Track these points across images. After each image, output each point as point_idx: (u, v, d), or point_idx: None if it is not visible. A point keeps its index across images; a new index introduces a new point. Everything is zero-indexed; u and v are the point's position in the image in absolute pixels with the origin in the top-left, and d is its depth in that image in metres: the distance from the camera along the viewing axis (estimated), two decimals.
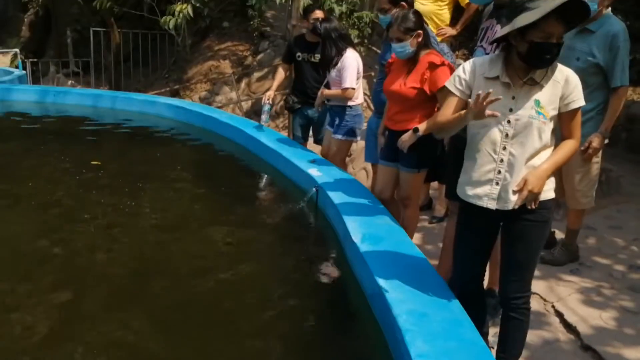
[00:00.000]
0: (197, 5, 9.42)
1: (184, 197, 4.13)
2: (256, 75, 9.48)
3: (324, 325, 2.54)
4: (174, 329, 2.47)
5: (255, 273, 3.03)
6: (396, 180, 3.47)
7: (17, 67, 11.23)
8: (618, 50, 3.23)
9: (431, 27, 4.49)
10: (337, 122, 4.36)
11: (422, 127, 3.13)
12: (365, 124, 4.39)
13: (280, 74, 4.99)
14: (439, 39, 4.69)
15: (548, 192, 2.19)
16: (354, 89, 4.24)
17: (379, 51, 8.34)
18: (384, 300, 2.31)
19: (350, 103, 4.31)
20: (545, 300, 3.15)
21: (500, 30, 2.21)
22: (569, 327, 2.89)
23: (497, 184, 2.19)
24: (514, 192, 2.13)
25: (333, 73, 4.29)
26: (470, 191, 2.26)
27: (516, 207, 2.13)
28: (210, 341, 2.40)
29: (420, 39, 3.15)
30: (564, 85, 2.10)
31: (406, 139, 3.14)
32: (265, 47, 9.92)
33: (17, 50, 11.83)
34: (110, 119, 6.34)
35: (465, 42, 7.24)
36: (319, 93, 4.38)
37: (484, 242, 2.39)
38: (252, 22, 10.44)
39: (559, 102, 2.11)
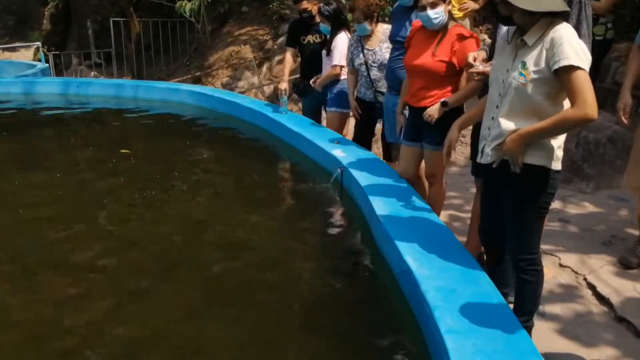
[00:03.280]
0: None
1: (213, 182, 4.22)
2: (277, 58, 9.44)
3: (352, 303, 2.56)
4: (205, 310, 2.52)
5: (282, 254, 3.06)
6: (419, 159, 3.43)
7: (39, 60, 11.40)
8: None
9: (454, 2, 4.41)
10: (329, 96, 4.64)
11: (451, 100, 3.06)
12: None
13: (289, 60, 5.02)
14: (461, 13, 4.61)
15: (537, 158, 2.17)
16: (342, 66, 4.48)
17: None
18: (412, 277, 2.32)
19: (341, 77, 4.54)
20: (576, 273, 3.10)
21: None
22: (601, 299, 2.85)
23: (484, 139, 2.31)
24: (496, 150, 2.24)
25: (324, 53, 4.57)
26: (479, 146, 2.39)
27: (494, 166, 2.23)
28: (240, 316, 2.46)
29: (450, 7, 3.09)
30: (549, 46, 2.07)
31: (434, 112, 3.06)
32: (286, 30, 9.84)
33: (39, 43, 12.00)
34: (134, 108, 6.42)
35: (488, 16, 7.08)
36: (316, 82, 4.66)
37: (495, 202, 2.41)
38: (270, 6, 10.38)
39: (544, 64, 2.08)
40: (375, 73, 4.01)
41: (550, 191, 2.24)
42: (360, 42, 4.06)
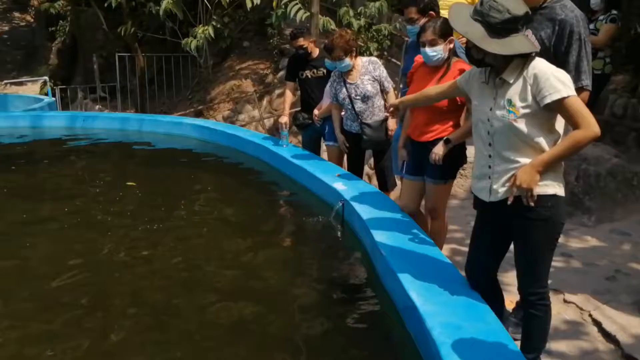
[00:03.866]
0: (218, 26, 9.58)
1: (216, 214, 4.23)
2: (277, 92, 9.56)
3: (357, 340, 2.52)
4: (205, 347, 2.48)
5: (284, 289, 3.04)
6: (421, 193, 3.44)
7: (46, 94, 11.54)
8: None
9: (455, 34, 4.49)
10: (327, 130, 4.65)
11: (453, 137, 3.07)
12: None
13: (289, 95, 5.09)
14: (463, 45, 4.69)
15: (547, 187, 2.19)
16: None
17: (398, 63, 8.37)
18: (416, 314, 2.29)
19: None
20: (581, 309, 3.07)
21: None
22: (608, 336, 2.81)
23: (489, 177, 2.32)
24: (508, 186, 2.23)
25: (328, 87, 4.59)
26: (475, 185, 2.42)
27: (509, 202, 2.21)
28: (240, 346, 2.45)
29: (451, 46, 3.14)
30: (533, 82, 2.13)
31: (439, 152, 3.06)
32: (286, 65, 10.00)
33: (46, 78, 12.18)
34: (138, 141, 6.47)
35: None
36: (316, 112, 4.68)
37: (492, 237, 2.44)
38: (271, 41, 10.57)
39: (532, 99, 2.14)
40: (359, 105, 4.09)
41: (562, 221, 2.28)
42: (341, 76, 4.15)
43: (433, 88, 2.84)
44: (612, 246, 3.74)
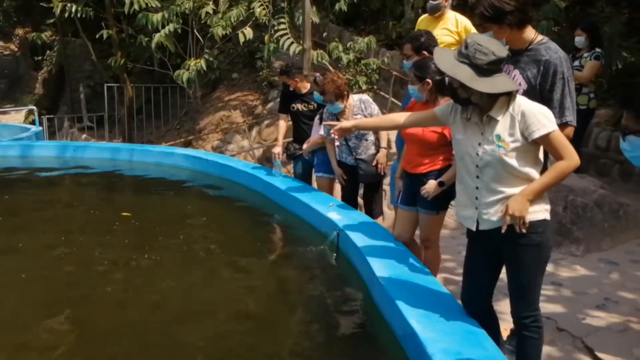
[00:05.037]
0: (210, 59, 9.73)
1: (212, 245, 4.25)
2: (266, 123, 9.68)
3: None
4: None
5: (280, 318, 3.06)
6: (415, 223, 3.51)
7: (31, 123, 11.50)
8: None
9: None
10: (316, 161, 4.79)
11: (446, 178, 3.15)
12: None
13: (283, 126, 5.23)
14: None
15: (537, 213, 2.31)
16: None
17: (386, 96, 8.56)
18: (416, 340, 2.34)
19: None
20: (574, 336, 3.13)
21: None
22: None
23: (476, 208, 2.41)
24: (500, 216, 2.32)
25: (317, 121, 4.70)
26: (460, 212, 2.52)
27: (502, 231, 2.29)
28: None
29: (429, 87, 3.24)
30: (520, 119, 2.27)
31: (431, 190, 3.16)
32: (275, 96, 10.15)
33: (34, 107, 12.17)
34: (129, 172, 6.48)
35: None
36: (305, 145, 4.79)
37: (484, 264, 2.52)
38: (260, 73, 10.73)
39: (520, 134, 2.27)
40: (354, 142, 4.23)
41: (551, 245, 2.40)
42: (335, 114, 4.30)
43: (402, 115, 2.94)
44: (600, 275, 3.82)
